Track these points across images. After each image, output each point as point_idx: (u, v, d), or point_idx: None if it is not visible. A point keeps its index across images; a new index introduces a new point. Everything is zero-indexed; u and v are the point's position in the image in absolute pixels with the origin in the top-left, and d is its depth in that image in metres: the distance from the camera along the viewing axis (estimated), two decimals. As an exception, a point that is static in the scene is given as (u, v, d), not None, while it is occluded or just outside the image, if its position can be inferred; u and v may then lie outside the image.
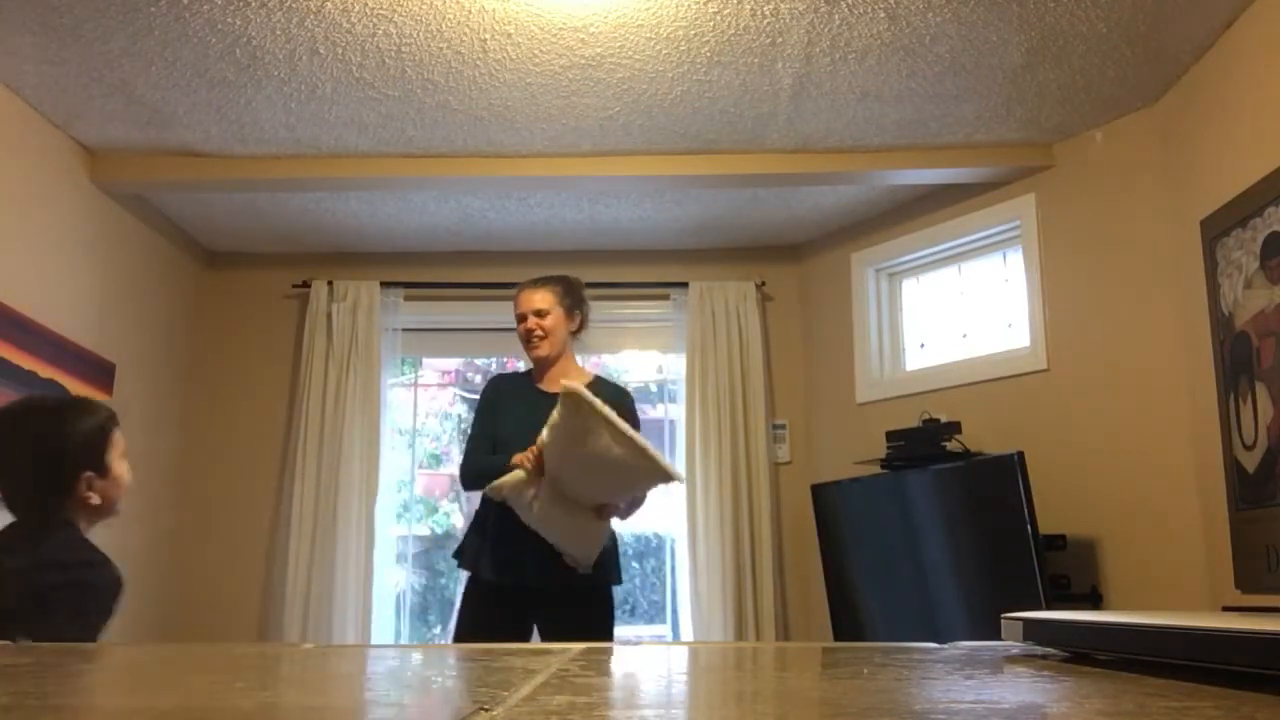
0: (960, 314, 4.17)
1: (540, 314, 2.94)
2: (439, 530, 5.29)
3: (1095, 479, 3.48)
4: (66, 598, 1.85)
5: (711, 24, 2.95)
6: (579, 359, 3.13)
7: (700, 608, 4.24)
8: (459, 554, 2.98)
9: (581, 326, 3.03)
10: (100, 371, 3.81)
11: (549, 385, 2.92)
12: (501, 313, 4.68)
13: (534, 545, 2.78)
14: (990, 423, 3.79)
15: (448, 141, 3.66)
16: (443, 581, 5.28)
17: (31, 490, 1.95)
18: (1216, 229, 3.03)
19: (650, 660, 0.82)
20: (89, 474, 1.97)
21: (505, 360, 4.97)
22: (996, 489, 3.40)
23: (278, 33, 2.98)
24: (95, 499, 1.98)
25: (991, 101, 3.41)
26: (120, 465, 2.04)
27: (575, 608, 2.85)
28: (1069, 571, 3.45)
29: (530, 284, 3.01)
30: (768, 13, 2.88)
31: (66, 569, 1.89)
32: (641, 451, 2.57)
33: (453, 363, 5.38)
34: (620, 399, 2.89)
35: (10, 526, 1.96)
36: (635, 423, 2.86)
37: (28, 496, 1.96)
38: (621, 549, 2.99)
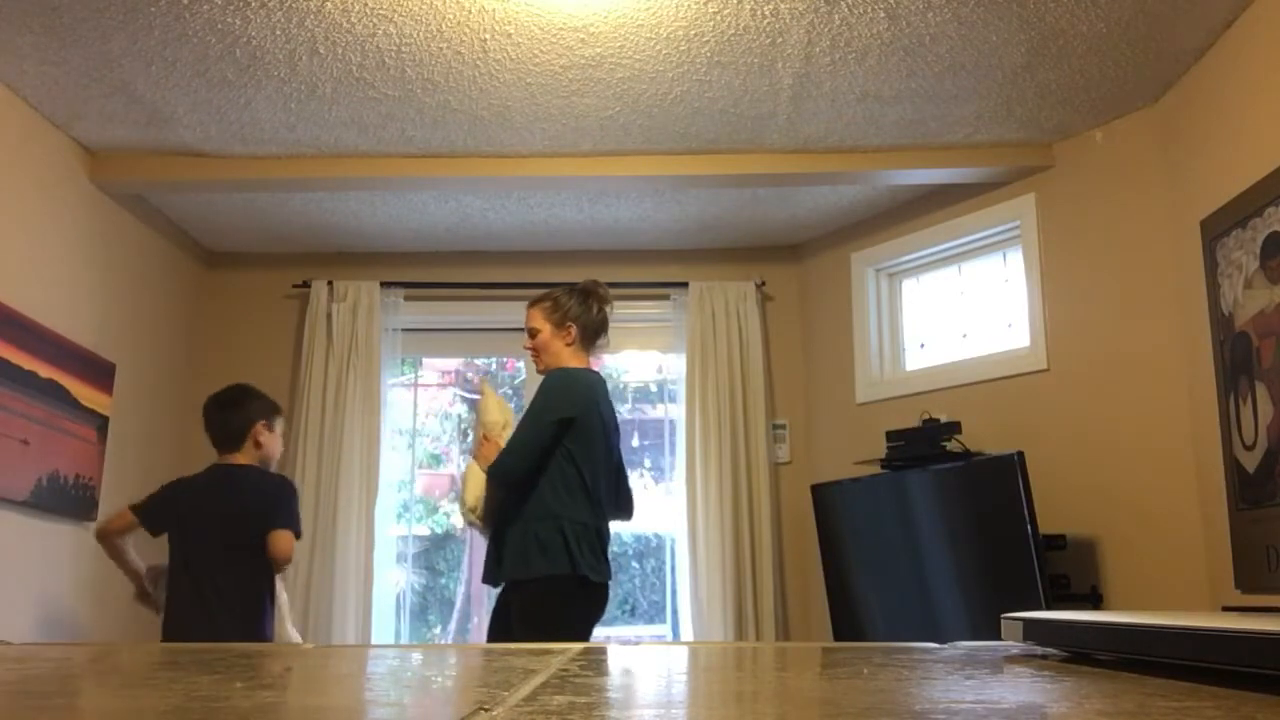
0: (960, 314, 4.17)
1: (532, 333, 3.06)
2: (439, 530, 5.29)
3: (1095, 479, 3.48)
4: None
5: (711, 24, 2.95)
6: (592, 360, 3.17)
7: (700, 608, 4.24)
8: None
9: (586, 336, 3.07)
10: (100, 371, 3.81)
11: None
12: (501, 313, 4.71)
13: (494, 544, 2.98)
14: (990, 423, 3.79)
15: (448, 141, 3.66)
16: (443, 581, 5.28)
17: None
18: (1216, 229, 3.04)
19: (650, 660, 0.82)
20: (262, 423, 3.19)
21: (505, 360, 4.97)
22: (996, 489, 3.40)
23: (278, 33, 2.98)
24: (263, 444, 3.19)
25: (991, 101, 3.41)
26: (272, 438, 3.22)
27: (507, 602, 2.94)
28: (1069, 571, 3.45)
29: (530, 301, 3.12)
30: (768, 13, 2.88)
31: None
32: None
33: (453, 363, 5.38)
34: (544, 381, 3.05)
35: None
36: (539, 402, 2.97)
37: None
38: (545, 544, 2.85)
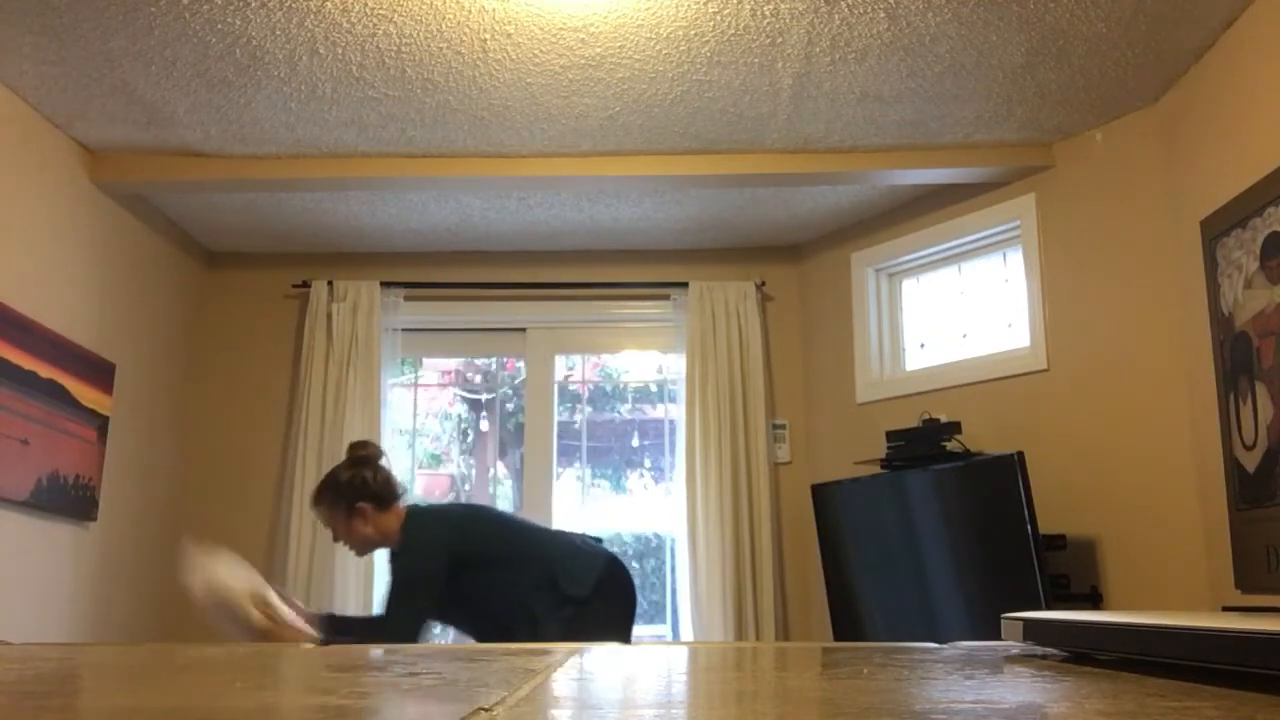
0: (960, 314, 4.17)
1: (334, 535, 2.88)
2: (439, 530, 5.28)
3: (1095, 479, 3.48)
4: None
5: (711, 24, 2.95)
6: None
7: (700, 608, 4.24)
8: None
9: (383, 500, 2.83)
10: (100, 371, 3.81)
11: None
12: (501, 313, 4.72)
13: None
14: (990, 423, 3.79)
15: (448, 141, 3.66)
16: (443, 581, 5.27)
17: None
18: (1216, 229, 3.03)
19: (650, 660, 0.82)
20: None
21: (505, 360, 4.97)
22: (996, 489, 3.40)
23: (278, 33, 2.98)
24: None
25: (991, 101, 3.41)
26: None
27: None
28: (1069, 571, 3.45)
29: (311, 503, 2.91)
30: (768, 13, 2.89)
31: None
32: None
33: (453, 363, 5.37)
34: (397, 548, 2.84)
35: None
36: (398, 572, 2.77)
37: None
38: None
